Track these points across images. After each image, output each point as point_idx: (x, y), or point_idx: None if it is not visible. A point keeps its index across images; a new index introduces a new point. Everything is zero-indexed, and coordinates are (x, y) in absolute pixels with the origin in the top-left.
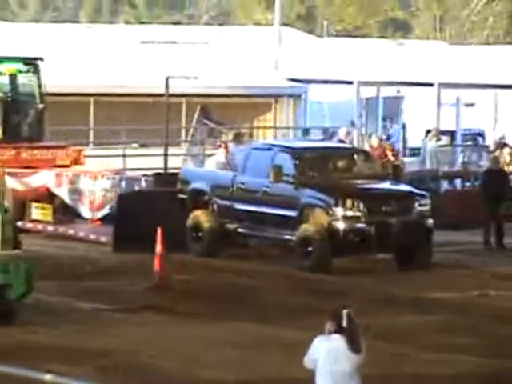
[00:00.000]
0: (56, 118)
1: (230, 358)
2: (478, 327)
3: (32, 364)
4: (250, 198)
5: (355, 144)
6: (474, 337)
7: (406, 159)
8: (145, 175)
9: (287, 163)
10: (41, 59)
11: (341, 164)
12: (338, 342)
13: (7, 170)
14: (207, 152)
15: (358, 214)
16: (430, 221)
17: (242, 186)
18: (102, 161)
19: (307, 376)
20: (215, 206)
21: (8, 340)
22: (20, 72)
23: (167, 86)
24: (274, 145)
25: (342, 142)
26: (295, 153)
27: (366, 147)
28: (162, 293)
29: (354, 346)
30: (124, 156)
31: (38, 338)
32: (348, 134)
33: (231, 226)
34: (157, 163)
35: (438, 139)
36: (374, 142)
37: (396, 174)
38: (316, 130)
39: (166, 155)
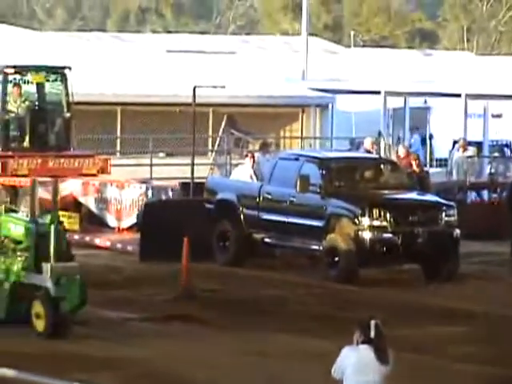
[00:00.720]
0: (83, 126)
1: (256, 368)
2: (506, 339)
3: (58, 372)
4: (276, 208)
5: (382, 154)
6: (502, 349)
7: (433, 170)
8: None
9: (314, 173)
10: (68, 68)
11: (367, 174)
12: (366, 352)
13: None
14: (233, 162)
15: (384, 223)
16: (457, 231)
17: (269, 196)
18: (129, 170)
19: None
20: (242, 216)
21: (34, 349)
22: (48, 81)
23: (194, 96)
24: (300, 155)
25: (368, 152)
26: (322, 163)
27: (393, 157)
28: (188, 302)
29: (382, 356)
30: (151, 165)
31: (63, 347)
32: (374, 144)
33: (258, 236)
34: (183, 173)
35: (465, 150)
36: (401, 152)
37: (423, 184)
38: (343, 140)
39: (192, 165)
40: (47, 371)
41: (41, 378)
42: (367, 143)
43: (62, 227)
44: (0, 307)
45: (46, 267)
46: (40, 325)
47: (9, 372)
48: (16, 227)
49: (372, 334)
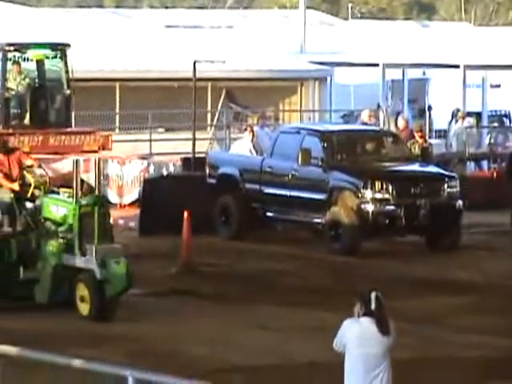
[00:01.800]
0: (81, 103)
1: (257, 342)
2: (508, 309)
3: (59, 349)
4: (278, 182)
5: (381, 126)
6: (504, 319)
7: (432, 141)
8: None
9: (315, 146)
10: (68, 45)
11: (369, 146)
12: (367, 324)
13: (35, 156)
14: (233, 136)
15: (386, 196)
16: (460, 202)
17: (271, 170)
18: (128, 146)
19: (338, 360)
20: (244, 190)
21: (35, 326)
22: (47, 58)
23: (194, 70)
24: (301, 128)
25: (365, 124)
26: (323, 136)
27: (393, 129)
28: (189, 276)
29: (383, 328)
30: (150, 141)
31: (67, 323)
32: (371, 116)
33: (260, 210)
34: (183, 147)
35: (464, 120)
36: (401, 123)
37: (425, 155)
38: (342, 112)
39: (194, 139)
40: (48, 347)
41: (41, 354)
42: (364, 115)
43: (105, 209)
44: (43, 290)
45: (91, 249)
46: (85, 308)
47: (8, 349)
48: (58, 209)
49: (373, 306)
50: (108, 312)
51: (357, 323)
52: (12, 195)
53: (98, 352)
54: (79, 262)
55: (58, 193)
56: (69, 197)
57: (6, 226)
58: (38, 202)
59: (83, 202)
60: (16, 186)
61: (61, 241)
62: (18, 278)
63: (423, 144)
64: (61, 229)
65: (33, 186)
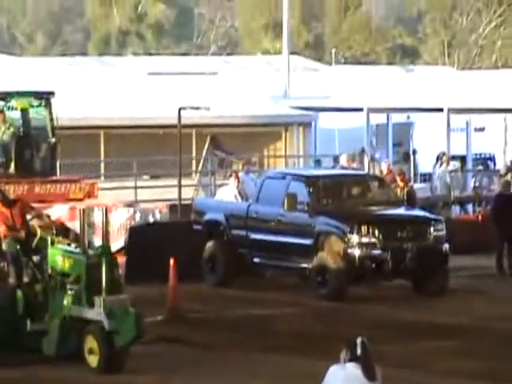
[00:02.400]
0: (66, 151)
1: None
2: (496, 353)
3: None
4: (264, 228)
5: (366, 171)
6: (492, 363)
7: (417, 185)
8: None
9: (301, 191)
10: (52, 93)
11: (355, 191)
12: (353, 370)
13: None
14: (218, 182)
15: (373, 240)
16: (446, 246)
17: (257, 216)
18: (114, 193)
19: None
20: (230, 236)
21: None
22: (32, 106)
23: (179, 117)
24: (287, 173)
25: (344, 168)
26: (309, 181)
27: (378, 173)
28: (176, 324)
29: (369, 373)
30: (135, 188)
31: (47, 373)
32: (349, 160)
33: (247, 256)
34: (168, 194)
35: (448, 164)
36: (384, 167)
37: (410, 199)
38: (327, 158)
39: (180, 186)
40: None
41: None
42: (343, 159)
43: (113, 258)
44: (50, 343)
45: (99, 300)
46: (94, 360)
47: None
48: (65, 259)
49: (358, 351)
50: (117, 363)
51: (342, 369)
52: (18, 246)
53: None
54: (87, 313)
55: (65, 242)
56: (76, 247)
57: (11, 278)
58: (44, 253)
59: (91, 252)
60: (22, 235)
61: (69, 292)
62: (25, 330)
63: (405, 187)
64: (69, 279)
65: (38, 236)
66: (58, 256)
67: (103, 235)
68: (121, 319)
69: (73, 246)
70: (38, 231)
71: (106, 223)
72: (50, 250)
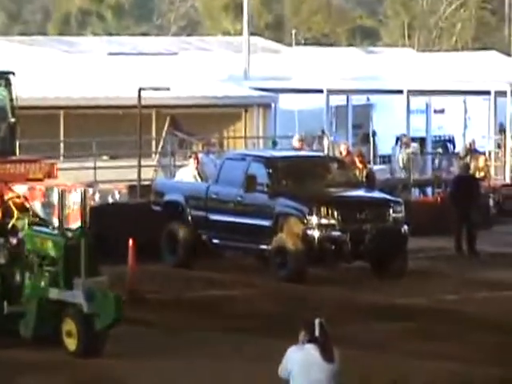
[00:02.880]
0: (25, 131)
1: (201, 370)
2: (454, 333)
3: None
4: (224, 209)
5: (326, 152)
6: (450, 343)
7: (377, 167)
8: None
9: (261, 172)
10: (12, 73)
11: (315, 172)
12: (311, 351)
13: None
14: (177, 163)
15: (332, 221)
16: (405, 227)
17: (216, 197)
18: (73, 174)
19: None
20: (190, 217)
21: None
22: None
23: (140, 98)
24: (247, 154)
25: (296, 149)
26: (269, 162)
27: (337, 155)
28: (135, 305)
29: (327, 355)
30: (95, 168)
31: (23, 355)
32: (301, 141)
33: (206, 237)
34: (128, 175)
35: (408, 146)
36: (343, 149)
37: (369, 181)
38: (287, 139)
39: (139, 167)
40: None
41: None
42: (294, 141)
43: (92, 241)
44: (27, 325)
45: (77, 282)
46: (71, 343)
47: None
48: (42, 241)
49: (317, 333)
50: (96, 347)
51: (301, 350)
52: None
53: (43, 379)
54: (65, 295)
55: (42, 225)
56: (53, 229)
57: None
58: (21, 235)
59: (69, 234)
60: None
61: (46, 274)
62: (2, 313)
63: (364, 169)
64: (46, 261)
65: (15, 217)
66: (35, 237)
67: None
68: (100, 302)
69: (50, 227)
70: (15, 212)
71: (84, 204)
72: (27, 232)
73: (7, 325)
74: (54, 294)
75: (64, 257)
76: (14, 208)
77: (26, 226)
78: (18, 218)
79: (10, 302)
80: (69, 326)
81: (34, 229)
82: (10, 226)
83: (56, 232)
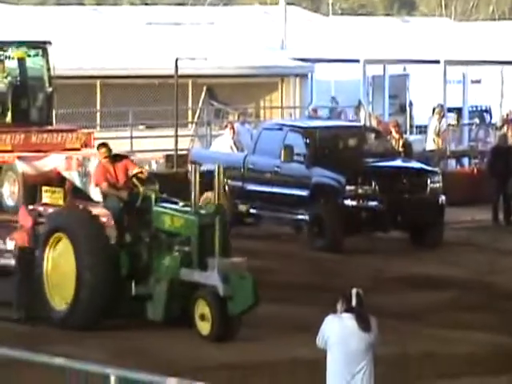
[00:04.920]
0: (62, 101)
1: (242, 337)
2: (490, 304)
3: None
4: (261, 179)
5: (363, 123)
6: (486, 314)
7: (413, 137)
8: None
9: (298, 142)
10: (49, 43)
11: (352, 142)
12: (348, 320)
13: (18, 154)
14: (214, 133)
15: (369, 191)
16: (443, 198)
17: (253, 167)
18: (109, 143)
19: (320, 356)
20: (226, 187)
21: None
22: (29, 56)
23: (176, 68)
24: (284, 124)
25: (311, 118)
26: (306, 132)
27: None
28: None
29: (363, 324)
30: (131, 138)
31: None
32: (314, 111)
33: (243, 207)
34: (164, 145)
35: (442, 117)
36: (373, 122)
37: (406, 151)
38: (323, 109)
39: (176, 136)
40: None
41: (21, 352)
42: (311, 109)
43: (226, 219)
44: (156, 308)
45: (213, 263)
46: (205, 328)
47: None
48: (173, 219)
49: (353, 302)
50: (231, 332)
51: (338, 319)
52: (121, 205)
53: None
54: (199, 277)
55: (171, 201)
56: (184, 206)
57: (113, 238)
58: (148, 212)
59: (203, 211)
60: (124, 194)
61: (176, 254)
62: (129, 294)
63: (400, 139)
64: (176, 240)
65: (142, 195)
66: (165, 215)
67: (218, 193)
68: (236, 285)
69: (181, 204)
70: (141, 189)
71: (219, 179)
72: (155, 209)
73: (133, 307)
74: (186, 275)
75: (198, 236)
76: (139, 184)
77: (153, 203)
78: (144, 196)
79: (137, 283)
80: (203, 309)
81: (163, 205)
82: (137, 203)
83: (186, 209)
